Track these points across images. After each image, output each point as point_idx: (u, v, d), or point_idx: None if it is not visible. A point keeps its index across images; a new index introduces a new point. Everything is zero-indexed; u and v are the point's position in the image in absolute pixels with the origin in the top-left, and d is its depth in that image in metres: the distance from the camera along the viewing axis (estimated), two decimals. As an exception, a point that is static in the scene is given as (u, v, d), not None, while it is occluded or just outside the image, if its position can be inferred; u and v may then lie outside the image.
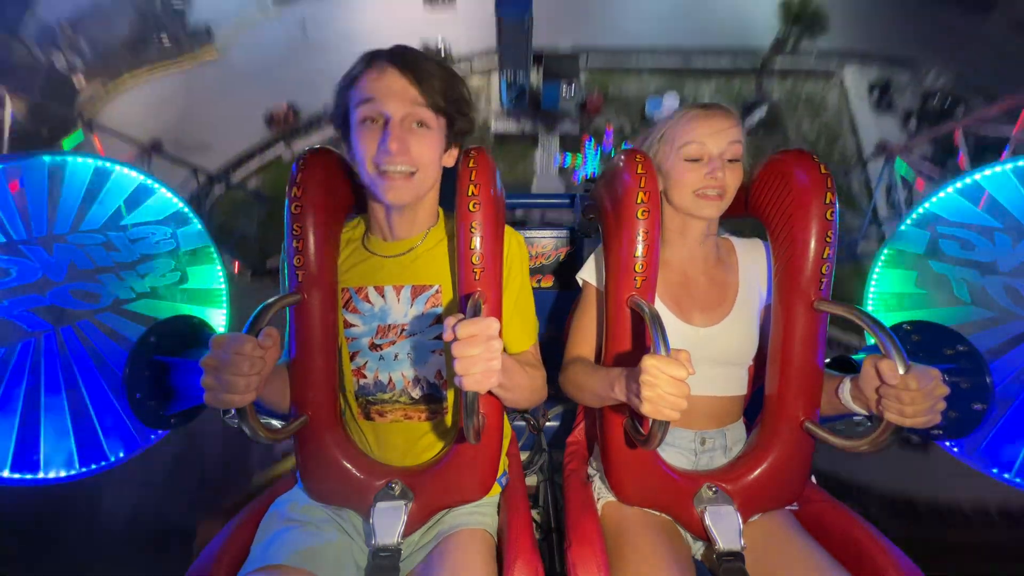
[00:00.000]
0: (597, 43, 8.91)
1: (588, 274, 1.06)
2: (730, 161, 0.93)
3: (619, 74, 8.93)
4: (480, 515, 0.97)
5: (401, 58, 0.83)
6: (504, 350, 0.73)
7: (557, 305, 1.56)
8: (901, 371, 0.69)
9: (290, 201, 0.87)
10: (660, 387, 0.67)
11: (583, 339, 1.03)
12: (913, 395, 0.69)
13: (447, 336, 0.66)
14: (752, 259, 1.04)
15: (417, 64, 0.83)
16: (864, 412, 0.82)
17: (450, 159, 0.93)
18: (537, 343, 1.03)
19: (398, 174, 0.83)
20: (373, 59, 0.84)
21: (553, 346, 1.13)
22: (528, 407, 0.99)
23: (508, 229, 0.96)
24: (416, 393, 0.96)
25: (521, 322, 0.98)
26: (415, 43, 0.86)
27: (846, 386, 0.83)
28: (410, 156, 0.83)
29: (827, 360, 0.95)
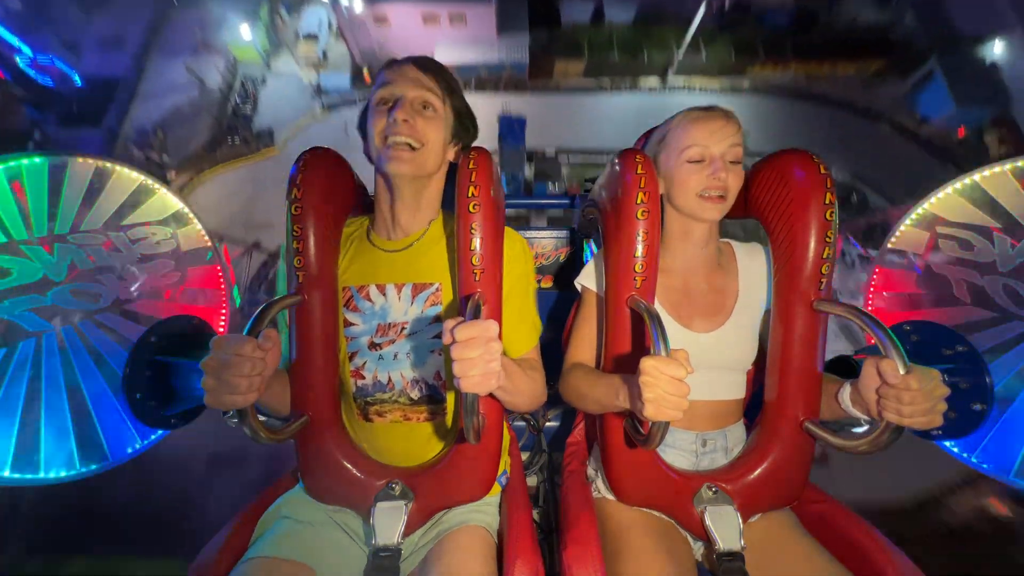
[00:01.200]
0: (575, 145, 11.60)
1: (587, 279, 1.05)
2: (732, 163, 0.93)
3: (591, 168, 11.22)
4: (480, 515, 0.97)
5: (421, 58, 0.96)
6: (505, 353, 0.73)
7: (557, 306, 1.56)
8: (902, 371, 0.69)
9: (290, 202, 0.87)
10: (660, 387, 0.67)
11: (583, 346, 1.03)
12: (913, 395, 0.69)
13: (446, 339, 0.66)
14: (752, 264, 1.04)
15: (434, 64, 0.96)
16: (864, 417, 0.82)
17: (452, 154, 0.99)
18: (538, 346, 1.03)
19: (402, 146, 0.89)
20: (396, 60, 0.96)
21: (552, 347, 1.13)
22: (528, 410, 0.99)
23: (512, 232, 0.97)
24: (415, 394, 0.96)
25: (524, 325, 0.98)
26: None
27: (846, 391, 0.83)
28: (415, 131, 0.90)
29: (827, 360, 0.95)
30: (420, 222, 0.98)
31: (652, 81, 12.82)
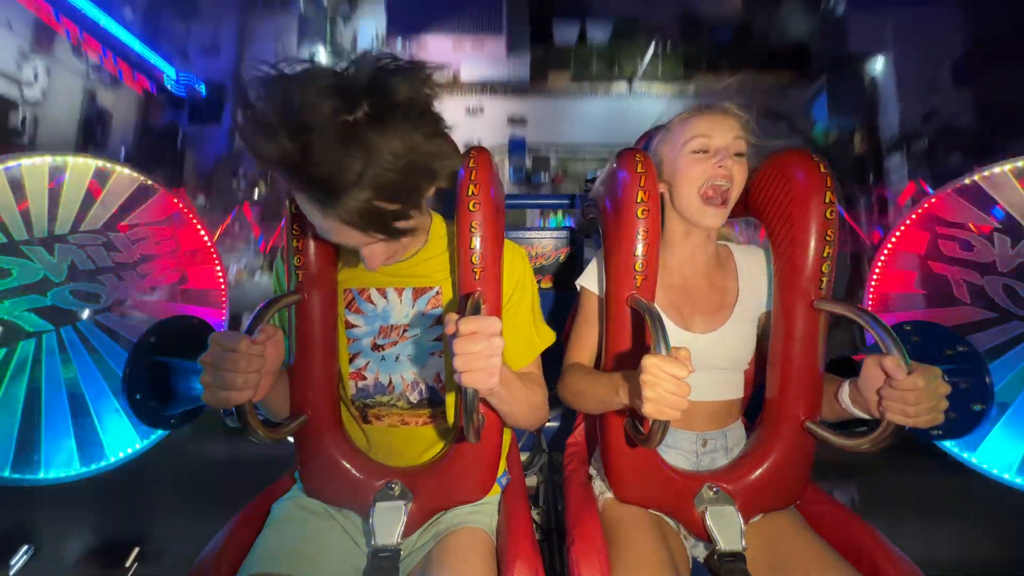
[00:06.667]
0: (561, 140, 15.43)
1: (588, 281, 1.05)
2: (736, 155, 0.93)
3: (573, 160, 15.37)
4: (480, 515, 0.96)
5: (306, 173, 0.60)
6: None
7: (556, 306, 1.56)
8: (904, 370, 0.69)
9: (289, 201, 0.88)
10: (661, 386, 0.67)
11: (582, 346, 1.03)
12: (919, 394, 0.69)
13: (449, 329, 0.66)
14: (751, 265, 1.04)
15: (320, 178, 0.60)
16: (864, 415, 0.81)
17: (430, 191, 0.77)
18: (539, 361, 1.01)
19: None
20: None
21: (552, 347, 1.14)
22: (527, 426, 0.95)
23: (511, 244, 0.95)
24: (414, 397, 0.96)
25: (522, 335, 0.97)
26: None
27: (845, 389, 0.83)
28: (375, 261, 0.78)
29: (828, 360, 0.95)
30: (414, 241, 0.93)
31: (622, 87, 16.84)
